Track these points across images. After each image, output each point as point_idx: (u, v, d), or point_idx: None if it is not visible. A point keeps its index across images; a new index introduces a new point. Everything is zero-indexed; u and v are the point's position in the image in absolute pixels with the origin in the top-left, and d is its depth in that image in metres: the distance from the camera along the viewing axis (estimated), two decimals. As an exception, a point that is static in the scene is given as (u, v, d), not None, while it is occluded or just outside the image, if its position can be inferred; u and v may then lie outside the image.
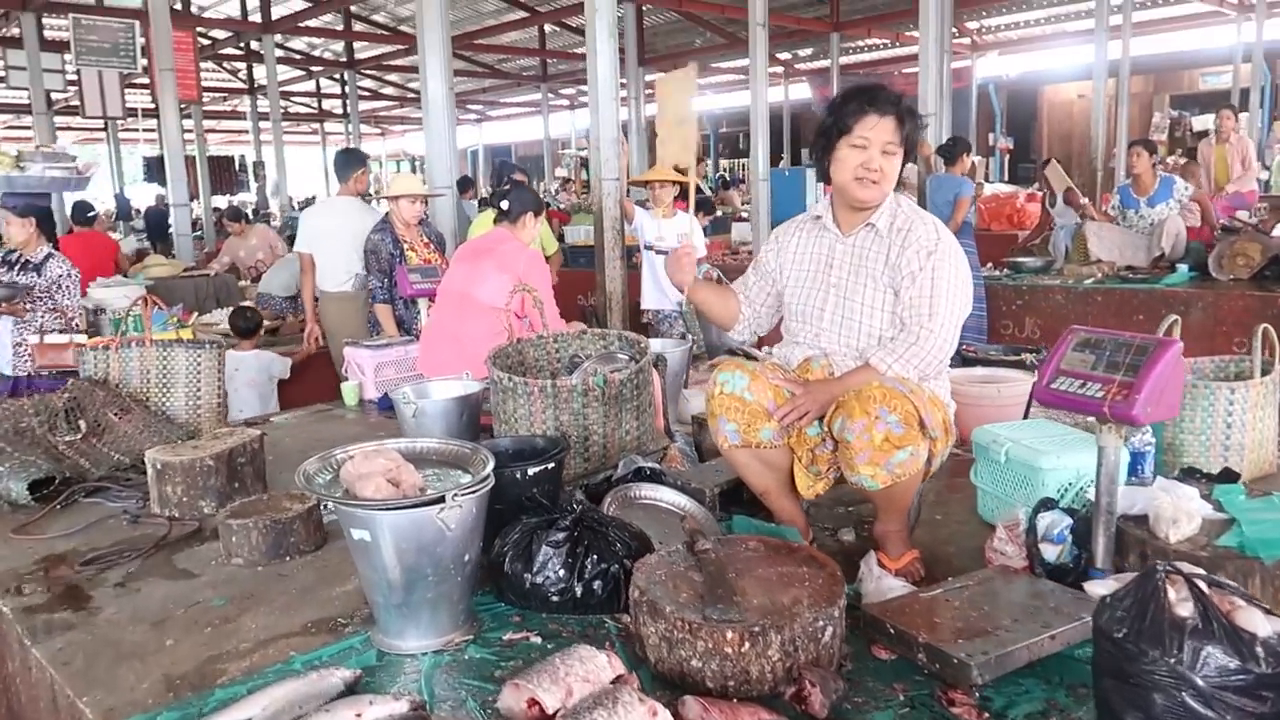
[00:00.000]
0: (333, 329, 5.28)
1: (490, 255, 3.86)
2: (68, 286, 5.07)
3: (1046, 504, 2.07)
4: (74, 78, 12.92)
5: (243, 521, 2.41)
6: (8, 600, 2.26)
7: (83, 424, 3.28)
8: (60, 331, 4.88)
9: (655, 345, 3.27)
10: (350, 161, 5.54)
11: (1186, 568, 1.45)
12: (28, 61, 12.53)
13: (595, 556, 2.01)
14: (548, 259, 5.48)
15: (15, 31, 13.35)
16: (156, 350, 3.58)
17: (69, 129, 25.17)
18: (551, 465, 2.32)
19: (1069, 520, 2.00)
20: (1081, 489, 2.21)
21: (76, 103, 14.01)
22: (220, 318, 5.83)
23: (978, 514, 2.54)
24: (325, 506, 2.54)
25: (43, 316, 5.01)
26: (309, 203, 23.81)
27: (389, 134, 33.28)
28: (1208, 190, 8.59)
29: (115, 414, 3.37)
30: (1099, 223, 7.10)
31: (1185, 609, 1.39)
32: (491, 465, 1.99)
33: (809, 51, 20.60)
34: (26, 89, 12.89)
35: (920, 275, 2.18)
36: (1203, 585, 1.42)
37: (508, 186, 4.33)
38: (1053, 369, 1.95)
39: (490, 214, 5.49)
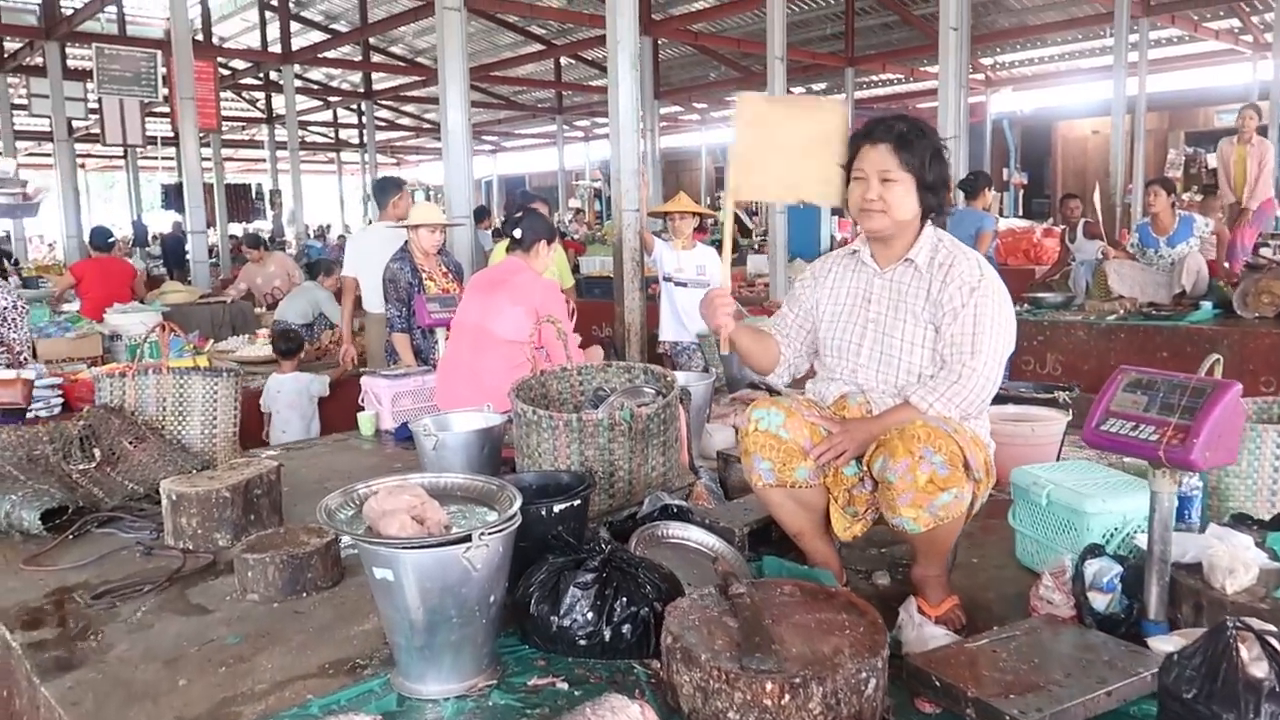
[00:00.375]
0: (374, 351, 5.44)
1: (504, 287, 3.80)
2: (13, 319, 4.76)
3: (1094, 550, 1.99)
4: (95, 106, 13.06)
5: (259, 556, 2.34)
6: (17, 635, 2.20)
7: (97, 452, 3.23)
8: (7, 366, 4.54)
9: (679, 379, 3.21)
10: (387, 188, 5.73)
11: (1258, 624, 1.37)
12: (50, 90, 12.67)
13: (625, 599, 1.94)
14: (563, 292, 5.43)
15: (39, 60, 13.51)
16: (173, 378, 3.54)
17: (90, 156, 25.48)
18: (578, 502, 2.26)
19: (1119, 568, 1.92)
20: (1128, 535, 2.13)
21: (97, 130, 14.17)
22: (236, 344, 5.81)
23: (1016, 558, 2.45)
24: (343, 540, 2.48)
25: None
26: (323, 231, 23.98)
27: (404, 164, 33.54)
28: (1227, 191, 8.49)
29: (130, 442, 3.32)
30: (1119, 259, 7.04)
31: (1260, 669, 1.31)
32: (518, 503, 1.92)
33: (823, 86, 20.70)
34: (48, 116, 13.03)
35: (963, 312, 2.12)
36: (1276, 644, 1.34)
37: (519, 214, 4.22)
38: (1102, 410, 1.88)
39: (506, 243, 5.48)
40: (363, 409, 4.19)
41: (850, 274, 2.36)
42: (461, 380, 3.70)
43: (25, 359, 4.66)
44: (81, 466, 3.16)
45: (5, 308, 4.78)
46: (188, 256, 16.12)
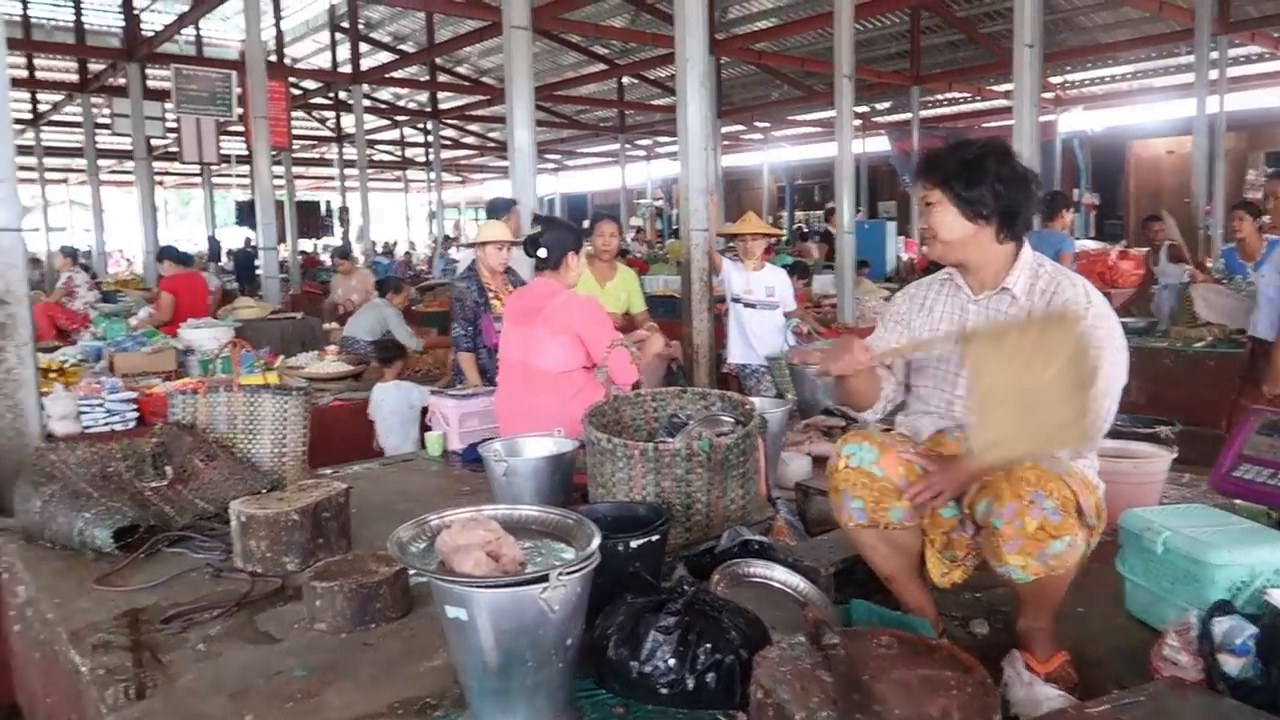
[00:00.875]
0: None
1: (540, 318, 3.60)
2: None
3: (1222, 607, 1.82)
4: (173, 125, 13.44)
5: (327, 585, 2.28)
6: (86, 660, 2.16)
7: (169, 469, 3.22)
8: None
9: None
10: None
11: None
12: (131, 109, 13.06)
13: (709, 645, 1.83)
14: (633, 315, 5.34)
15: (121, 81, 13.94)
16: (244, 395, 3.53)
17: (167, 174, 26.27)
18: (656, 538, 2.16)
19: (1252, 628, 1.75)
20: (1258, 590, 1.95)
21: (175, 149, 14.59)
22: (306, 360, 5.84)
23: (1125, 608, 2.28)
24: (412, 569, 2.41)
25: None
26: (390, 248, 24.34)
27: (469, 182, 34.00)
28: None
29: (201, 460, 3.31)
30: (1205, 285, 6.74)
31: None
32: (597, 541, 1.83)
33: (887, 105, 20.46)
34: (129, 135, 13.43)
35: None
36: None
37: (539, 229, 3.82)
38: (1234, 454, 1.72)
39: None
40: (429, 429, 4.14)
41: (945, 299, 2.23)
42: (519, 416, 3.61)
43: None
44: (154, 484, 3.15)
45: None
46: (258, 272, 16.53)
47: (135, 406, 4.84)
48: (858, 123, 20.17)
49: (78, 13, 14.88)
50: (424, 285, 10.97)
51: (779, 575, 2.23)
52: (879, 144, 20.57)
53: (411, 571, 2.40)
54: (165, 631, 2.29)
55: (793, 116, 21.21)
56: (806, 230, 19.41)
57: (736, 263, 5.64)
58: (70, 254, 11.04)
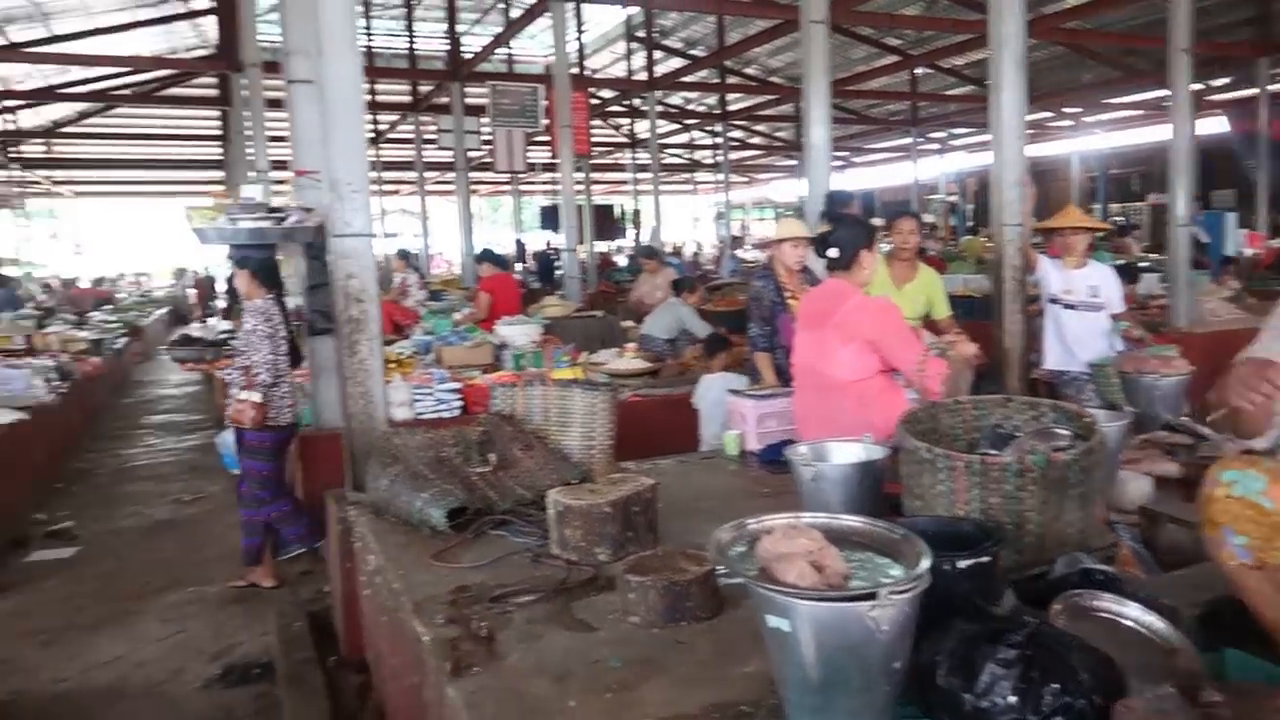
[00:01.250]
0: None
1: (830, 321, 3.45)
2: (254, 341, 4.72)
3: None
4: (487, 138, 14.64)
5: (641, 579, 2.32)
6: (427, 629, 2.35)
7: (492, 456, 3.46)
8: (243, 388, 4.70)
9: (1089, 418, 2.78)
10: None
11: None
12: (454, 125, 14.37)
13: (1056, 686, 1.64)
14: (936, 322, 5.06)
15: (444, 100, 15.39)
16: (557, 390, 3.72)
17: (481, 183, 28.74)
18: (987, 559, 1.98)
19: None
20: None
21: (488, 159, 15.89)
22: (606, 357, 6.09)
23: None
24: (720, 570, 2.40)
25: (234, 372, 4.89)
26: (679, 249, 25.05)
27: (755, 182, 34.26)
28: None
29: (520, 449, 3.52)
30: None
31: None
32: (929, 560, 1.71)
33: (1224, 81, 18.01)
34: (452, 149, 14.80)
35: None
36: None
37: (830, 228, 3.66)
38: None
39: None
40: (728, 428, 4.15)
41: None
42: (814, 422, 3.51)
43: (263, 380, 4.67)
44: (479, 470, 3.40)
45: (249, 329, 4.79)
46: (558, 272, 17.64)
47: (460, 396, 5.29)
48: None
49: (410, 41, 16.61)
50: (712, 285, 11.14)
51: (1132, 613, 1.96)
52: (1212, 125, 18.16)
53: (720, 572, 2.39)
54: (492, 610, 2.44)
55: (1107, 100, 19.30)
56: (1125, 224, 17.59)
57: (1054, 260, 5.17)
58: (404, 257, 12.34)
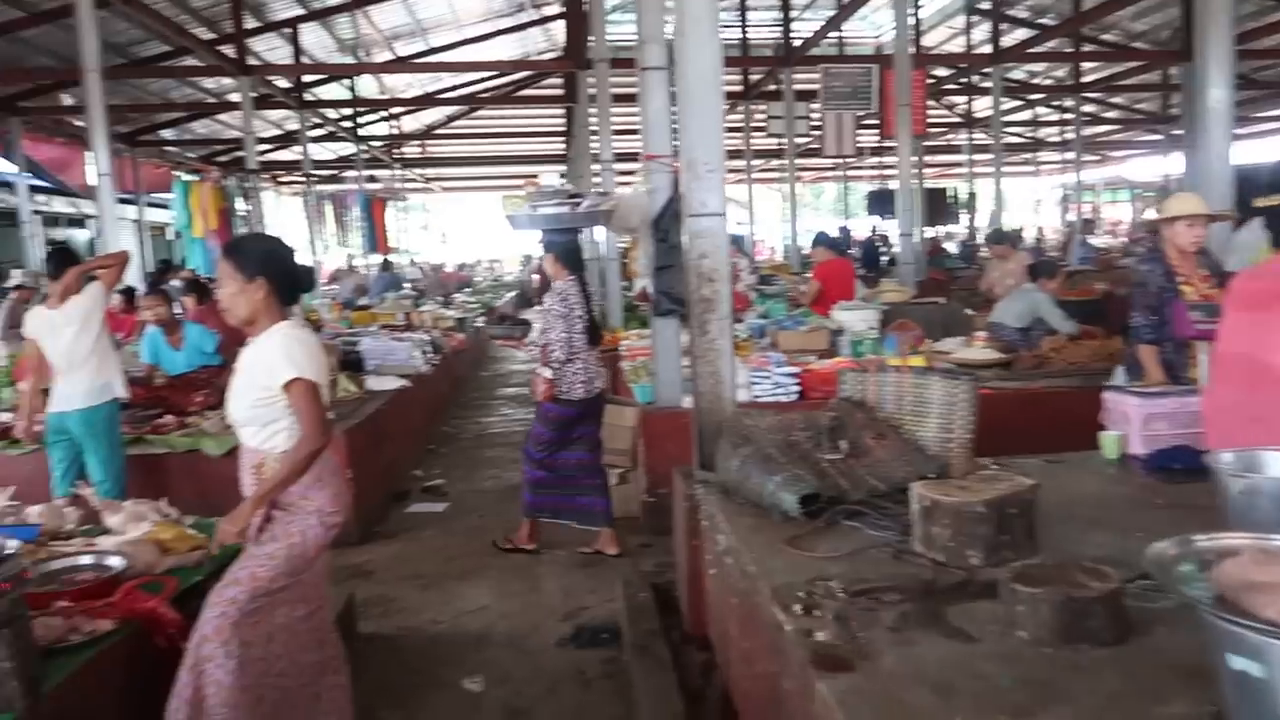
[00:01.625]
0: None
1: None
2: (551, 320, 4.97)
3: None
4: (816, 123, 14.43)
5: (1032, 590, 2.07)
6: (788, 618, 2.26)
7: (843, 444, 3.31)
8: (543, 365, 4.95)
9: None
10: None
11: None
12: (785, 110, 14.32)
13: None
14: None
15: (772, 87, 15.37)
16: (912, 378, 3.51)
17: (805, 169, 28.52)
18: None
19: None
20: None
21: (815, 145, 15.67)
22: (952, 345, 5.72)
23: None
24: (1128, 588, 2.08)
25: (536, 350, 5.02)
26: (1018, 234, 23.33)
27: (1108, 160, 30.98)
28: None
29: (872, 438, 3.35)
30: None
31: None
32: None
33: None
34: (781, 135, 14.76)
35: None
36: None
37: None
38: None
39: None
40: (1104, 428, 3.69)
41: None
42: (1239, 423, 2.96)
43: (558, 358, 4.88)
44: (830, 457, 3.26)
45: (546, 308, 5.06)
46: (880, 258, 17.05)
47: (797, 381, 5.20)
48: None
49: (743, 30, 16.76)
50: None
51: None
52: None
53: (1130, 589, 2.08)
54: (856, 605, 2.30)
55: None
56: None
57: None
58: (735, 242, 12.52)
